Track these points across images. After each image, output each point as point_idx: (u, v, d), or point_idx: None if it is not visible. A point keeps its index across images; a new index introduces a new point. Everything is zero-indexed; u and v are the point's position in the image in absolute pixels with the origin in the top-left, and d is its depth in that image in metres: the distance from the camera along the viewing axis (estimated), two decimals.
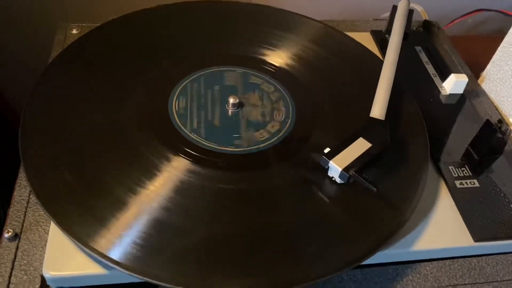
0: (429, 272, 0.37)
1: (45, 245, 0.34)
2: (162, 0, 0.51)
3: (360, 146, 0.36)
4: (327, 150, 0.36)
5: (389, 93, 0.41)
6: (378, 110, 0.40)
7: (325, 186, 0.37)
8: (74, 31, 0.51)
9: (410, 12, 0.51)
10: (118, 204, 0.33)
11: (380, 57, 0.51)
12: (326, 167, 0.36)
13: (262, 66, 0.46)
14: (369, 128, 0.38)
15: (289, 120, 0.41)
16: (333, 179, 0.36)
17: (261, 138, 0.39)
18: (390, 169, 0.38)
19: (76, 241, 0.31)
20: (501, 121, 0.42)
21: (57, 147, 0.36)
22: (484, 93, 0.51)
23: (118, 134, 0.38)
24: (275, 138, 0.40)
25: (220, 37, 0.48)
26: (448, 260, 0.38)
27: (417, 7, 0.57)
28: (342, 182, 0.36)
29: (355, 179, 0.35)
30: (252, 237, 0.33)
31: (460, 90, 0.49)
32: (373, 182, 0.34)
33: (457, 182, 0.41)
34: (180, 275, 0.31)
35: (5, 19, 0.66)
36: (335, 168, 0.35)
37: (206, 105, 0.41)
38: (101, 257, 0.31)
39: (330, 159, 0.36)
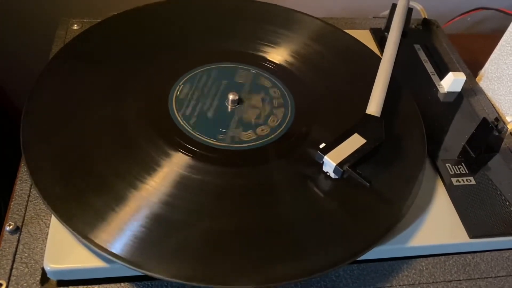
0: (424, 268, 0.37)
1: (46, 238, 0.34)
2: None
3: (354, 142, 0.37)
4: (322, 145, 0.37)
5: (386, 90, 0.41)
6: (374, 106, 0.40)
7: (322, 181, 0.37)
8: (75, 27, 0.51)
9: (410, 10, 0.51)
10: (118, 198, 0.34)
11: (379, 54, 0.51)
12: (321, 162, 0.36)
13: (262, 63, 0.46)
14: (364, 124, 0.38)
15: (288, 117, 0.42)
16: (328, 174, 0.37)
17: (261, 134, 0.40)
18: (387, 166, 0.39)
19: (76, 235, 0.32)
20: (498, 119, 0.42)
21: (58, 141, 0.37)
22: (481, 91, 0.52)
23: (119, 129, 0.38)
24: (275, 134, 0.40)
25: (220, 33, 0.48)
26: (443, 256, 0.38)
27: (417, 5, 0.57)
28: (337, 177, 0.36)
29: (349, 174, 0.36)
30: (250, 232, 0.34)
31: (458, 88, 0.50)
32: (366, 177, 0.35)
33: (454, 180, 0.41)
34: (179, 269, 0.31)
35: (6, 14, 0.66)
36: (329, 163, 0.36)
37: (206, 102, 0.42)
38: (102, 251, 0.31)
39: (324, 154, 0.36)
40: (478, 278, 0.37)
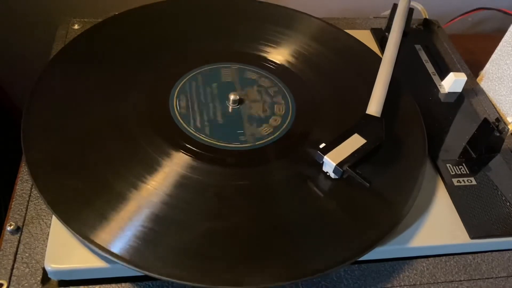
0: (425, 268, 0.37)
1: (47, 239, 0.34)
2: None
3: (354, 142, 0.37)
4: (322, 145, 0.37)
5: (386, 90, 0.41)
6: (374, 107, 0.40)
7: (322, 182, 0.37)
8: (76, 26, 0.51)
9: (410, 10, 0.51)
10: (119, 199, 0.34)
11: (380, 54, 0.51)
12: (321, 162, 0.36)
13: (263, 63, 0.46)
14: (364, 124, 0.38)
15: (289, 117, 0.42)
16: (328, 174, 0.37)
17: (260, 134, 0.40)
18: (388, 166, 0.39)
19: (77, 235, 0.32)
20: (499, 119, 0.42)
21: (59, 141, 0.37)
22: (482, 91, 0.52)
23: (120, 130, 0.38)
24: (275, 135, 0.40)
25: (221, 33, 0.48)
26: (444, 257, 0.38)
27: (417, 6, 0.57)
28: (336, 177, 0.36)
29: (348, 174, 0.36)
30: (251, 233, 0.34)
31: (458, 88, 0.50)
32: (366, 177, 0.35)
33: (455, 180, 0.41)
34: (180, 269, 0.31)
35: (6, 13, 0.66)
36: (329, 163, 0.36)
37: (207, 102, 0.42)
38: (102, 251, 0.31)
39: (324, 154, 0.36)
40: (479, 279, 0.37)
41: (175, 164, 0.36)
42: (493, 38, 0.54)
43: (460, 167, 0.42)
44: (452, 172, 0.42)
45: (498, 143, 0.43)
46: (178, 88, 0.42)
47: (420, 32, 0.58)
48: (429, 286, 0.36)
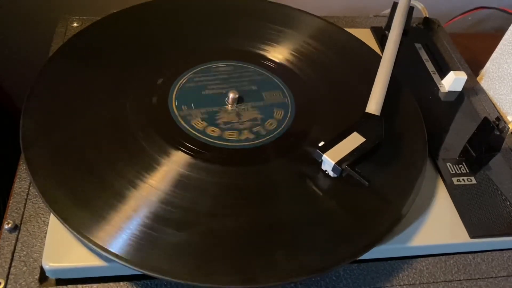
0: (424, 268, 0.37)
1: (45, 237, 0.34)
2: None
3: (354, 140, 0.37)
4: (321, 143, 0.36)
5: (386, 88, 0.41)
6: (374, 105, 0.40)
7: (321, 180, 0.37)
8: (75, 24, 0.51)
9: (411, 9, 0.51)
10: (117, 197, 0.34)
11: (380, 53, 0.51)
12: (320, 160, 0.36)
13: (262, 62, 0.46)
14: (364, 123, 0.38)
15: (288, 116, 0.41)
16: (327, 172, 0.37)
17: (261, 133, 0.40)
18: (388, 165, 0.39)
19: (75, 233, 0.31)
20: (499, 118, 0.42)
21: (57, 139, 0.37)
22: (482, 90, 0.51)
23: (118, 128, 0.38)
24: (275, 133, 0.40)
25: (220, 32, 0.48)
26: (444, 256, 0.38)
27: (418, 4, 0.57)
28: (336, 175, 0.36)
29: (347, 172, 0.35)
30: (250, 232, 0.34)
31: (459, 87, 0.50)
32: (365, 176, 0.35)
33: (455, 179, 0.41)
34: (178, 268, 0.31)
35: (6, 11, 0.66)
36: (328, 162, 0.36)
37: (206, 100, 0.42)
38: (100, 249, 0.31)
39: (323, 153, 0.36)
40: (478, 278, 0.37)
41: (174, 163, 0.36)
42: (494, 37, 0.54)
43: (460, 166, 0.42)
44: (452, 171, 0.42)
45: (498, 142, 0.43)
46: (177, 86, 0.42)
47: (420, 31, 0.58)
48: (428, 285, 0.36)
